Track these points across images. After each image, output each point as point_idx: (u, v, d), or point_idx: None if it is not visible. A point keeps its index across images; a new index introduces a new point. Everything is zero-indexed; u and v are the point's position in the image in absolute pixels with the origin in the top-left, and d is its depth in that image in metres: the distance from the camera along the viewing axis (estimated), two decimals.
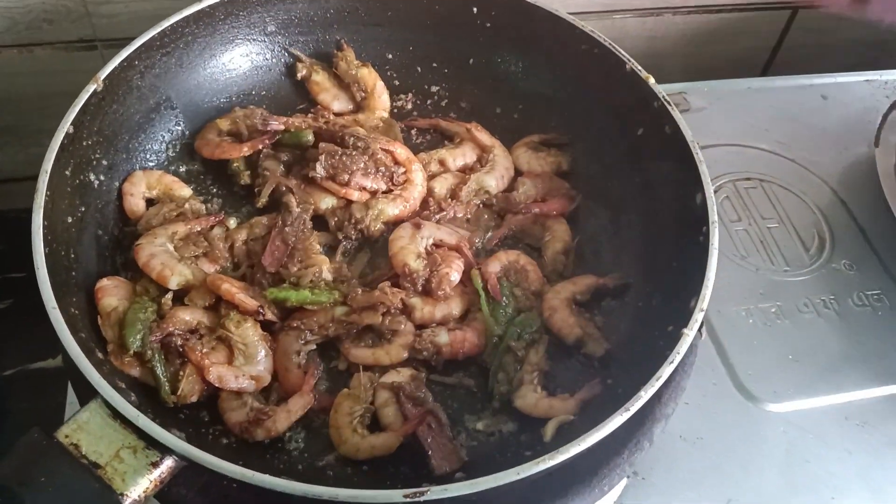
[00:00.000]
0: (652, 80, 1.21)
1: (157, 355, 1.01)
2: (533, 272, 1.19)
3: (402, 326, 1.11)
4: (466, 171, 1.31)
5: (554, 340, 1.13)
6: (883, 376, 1.31)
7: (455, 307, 1.15)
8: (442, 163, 1.30)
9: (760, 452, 1.23)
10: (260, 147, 1.23)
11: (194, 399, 1.02)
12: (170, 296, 1.07)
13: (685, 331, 0.96)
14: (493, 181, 1.28)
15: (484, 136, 1.33)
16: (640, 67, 1.23)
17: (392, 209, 1.22)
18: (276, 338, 1.09)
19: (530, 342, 1.11)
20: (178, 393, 1.00)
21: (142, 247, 1.10)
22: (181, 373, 1.01)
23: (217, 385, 1.03)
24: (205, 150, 1.25)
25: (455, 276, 1.15)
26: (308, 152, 1.23)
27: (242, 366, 1.05)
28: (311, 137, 1.23)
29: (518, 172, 1.31)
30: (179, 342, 1.03)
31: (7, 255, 1.57)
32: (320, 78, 1.36)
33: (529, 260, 1.20)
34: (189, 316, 1.06)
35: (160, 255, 1.08)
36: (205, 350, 1.04)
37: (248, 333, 1.06)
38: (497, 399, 1.08)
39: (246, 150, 1.22)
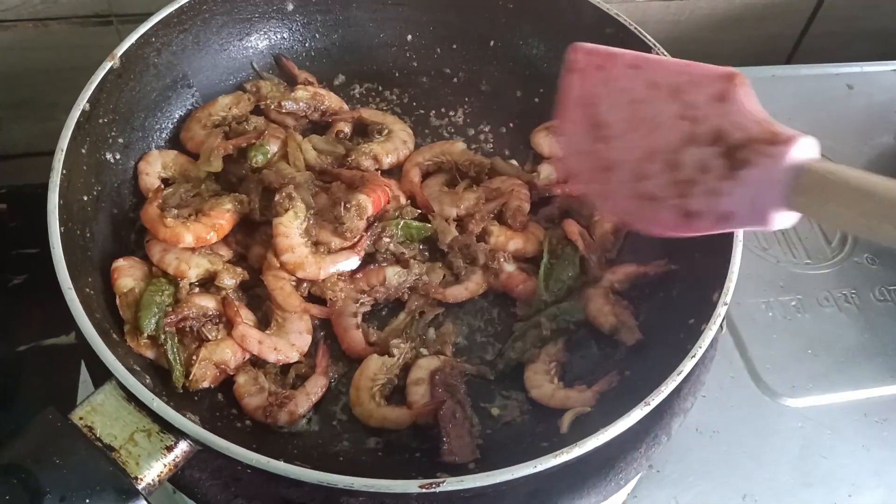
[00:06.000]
0: None
1: (170, 339, 1.00)
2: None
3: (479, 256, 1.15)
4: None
5: (579, 329, 1.12)
6: None
7: (529, 245, 1.18)
8: (375, 158, 1.24)
9: (776, 447, 1.22)
10: (244, 144, 1.18)
11: (206, 384, 1.01)
12: (187, 282, 1.06)
13: (707, 325, 0.94)
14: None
15: (371, 114, 1.31)
16: (665, 53, 1.21)
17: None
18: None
19: (562, 329, 1.10)
20: (190, 377, 1.00)
21: (152, 243, 1.08)
22: (195, 357, 1.01)
23: (239, 343, 1.02)
24: (189, 143, 1.22)
25: (525, 207, 1.20)
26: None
27: (271, 335, 1.05)
28: (262, 158, 1.18)
29: (540, 158, 1.30)
30: (195, 326, 1.02)
31: (22, 230, 1.56)
32: (269, 92, 1.29)
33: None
34: (206, 301, 1.05)
35: (172, 250, 1.07)
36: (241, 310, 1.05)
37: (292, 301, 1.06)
38: (502, 361, 1.08)
39: (230, 147, 1.18)
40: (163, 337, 1.00)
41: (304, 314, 1.08)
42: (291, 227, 1.09)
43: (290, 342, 1.05)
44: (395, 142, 1.28)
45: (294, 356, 1.05)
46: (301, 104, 1.27)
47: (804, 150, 0.78)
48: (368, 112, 1.32)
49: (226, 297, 1.06)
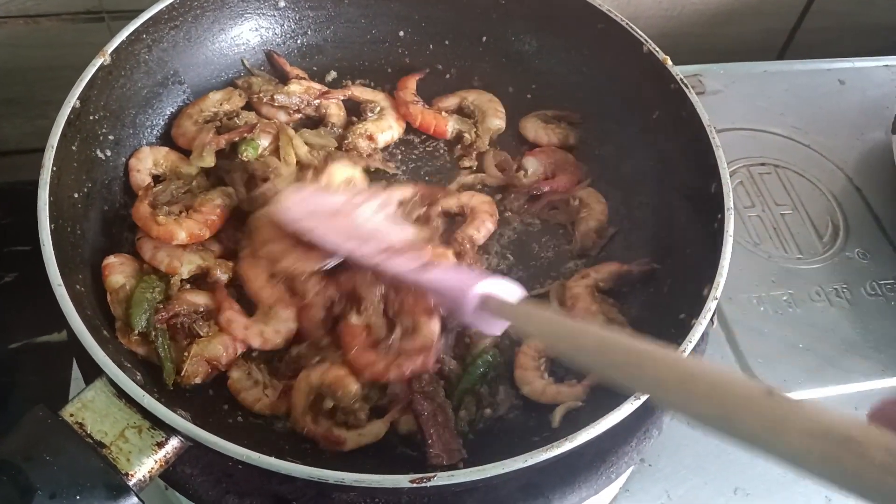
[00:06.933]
0: (669, 63, 1.19)
1: (161, 336, 1.00)
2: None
3: None
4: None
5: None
6: (894, 367, 1.30)
7: None
8: (371, 137, 1.26)
9: None
10: (236, 138, 1.18)
11: (198, 381, 1.01)
12: (178, 278, 1.06)
13: (698, 320, 0.94)
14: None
15: (363, 91, 1.33)
16: (657, 48, 1.21)
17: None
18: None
19: (493, 380, 1.07)
20: (182, 374, 0.99)
21: (143, 241, 1.08)
22: (186, 353, 1.00)
23: (225, 328, 1.02)
24: (181, 140, 1.22)
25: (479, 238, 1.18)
26: None
27: (257, 321, 1.04)
28: (251, 152, 1.18)
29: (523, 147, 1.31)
30: (186, 323, 1.02)
31: (13, 227, 1.56)
32: (260, 88, 1.28)
33: None
34: (197, 298, 1.05)
35: (163, 247, 1.07)
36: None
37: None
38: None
39: (222, 142, 1.18)
40: (153, 334, 1.00)
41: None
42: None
43: (275, 328, 1.04)
44: (389, 119, 1.29)
45: (279, 342, 1.04)
46: (294, 98, 1.27)
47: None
48: (360, 90, 1.33)
49: (218, 281, 1.06)
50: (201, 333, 1.03)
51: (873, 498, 0.51)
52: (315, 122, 1.30)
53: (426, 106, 1.31)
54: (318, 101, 1.28)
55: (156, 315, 1.00)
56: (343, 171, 1.18)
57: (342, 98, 1.30)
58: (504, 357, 1.08)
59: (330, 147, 1.23)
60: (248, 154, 1.16)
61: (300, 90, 1.28)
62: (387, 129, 1.28)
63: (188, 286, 1.08)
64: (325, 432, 0.97)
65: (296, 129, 1.24)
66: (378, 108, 1.30)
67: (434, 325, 1.03)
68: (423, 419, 0.97)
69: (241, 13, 1.30)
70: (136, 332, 0.99)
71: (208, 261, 1.08)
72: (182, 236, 1.07)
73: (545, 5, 1.33)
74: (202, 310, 1.04)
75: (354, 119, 1.29)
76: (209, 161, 1.16)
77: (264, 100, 1.25)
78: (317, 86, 1.30)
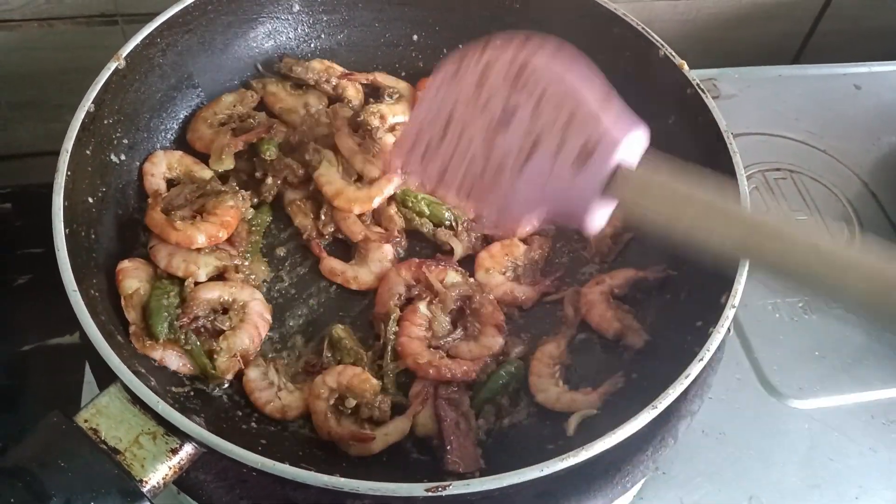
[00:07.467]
0: (686, 67, 1.18)
1: (189, 336, 1.02)
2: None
3: None
4: None
5: (577, 334, 1.11)
6: None
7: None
8: (382, 117, 1.28)
9: (783, 449, 1.21)
10: (254, 139, 1.19)
11: (230, 377, 1.03)
12: (191, 281, 1.06)
13: (716, 329, 0.94)
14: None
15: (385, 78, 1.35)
16: (673, 53, 1.20)
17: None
18: None
19: (514, 391, 1.07)
20: (216, 370, 1.01)
21: (156, 248, 1.08)
22: (219, 348, 1.02)
23: (327, 276, 1.13)
24: (198, 143, 1.22)
25: None
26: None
27: (354, 265, 1.14)
28: (273, 151, 1.19)
29: None
30: (207, 323, 1.04)
31: (26, 230, 1.56)
32: (275, 89, 1.29)
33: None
34: (210, 294, 1.05)
35: (178, 252, 1.07)
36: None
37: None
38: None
39: (240, 144, 1.19)
40: (182, 339, 1.01)
41: (380, 244, 1.15)
42: (332, 174, 1.17)
43: (370, 270, 1.13)
44: (404, 105, 1.30)
45: (371, 281, 1.12)
46: (311, 73, 1.29)
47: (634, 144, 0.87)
48: (383, 76, 1.34)
49: (309, 237, 1.16)
50: (224, 328, 1.04)
51: None
52: (333, 100, 1.31)
53: None
54: (336, 80, 1.30)
55: (178, 322, 1.01)
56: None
57: (364, 81, 1.32)
58: (526, 368, 1.07)
59: (345, 115, 1.25)
60: (269, 153, 1.17)
61: (321, 68, 1.30)
62: (399, 114, 1.29)
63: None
64: (353, 432, 0.97)
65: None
66: (396, 95, 1.32)
67: (497, 340, 1.07)
68: (445, 425, 0.96)
69: (255, 17, 1.30)
70: (161, 340, 1.00)
71: (224, 260, 1.08)
72: (201, 239, 1.07)
73: (560, 9, 1.32)
74: (220, 304, 1.06)
75: (372, 100, 1.32)
76: (229, 163, 1.17)
77: (282, 70, 1.29)
78: (338, 67, 1.32)
